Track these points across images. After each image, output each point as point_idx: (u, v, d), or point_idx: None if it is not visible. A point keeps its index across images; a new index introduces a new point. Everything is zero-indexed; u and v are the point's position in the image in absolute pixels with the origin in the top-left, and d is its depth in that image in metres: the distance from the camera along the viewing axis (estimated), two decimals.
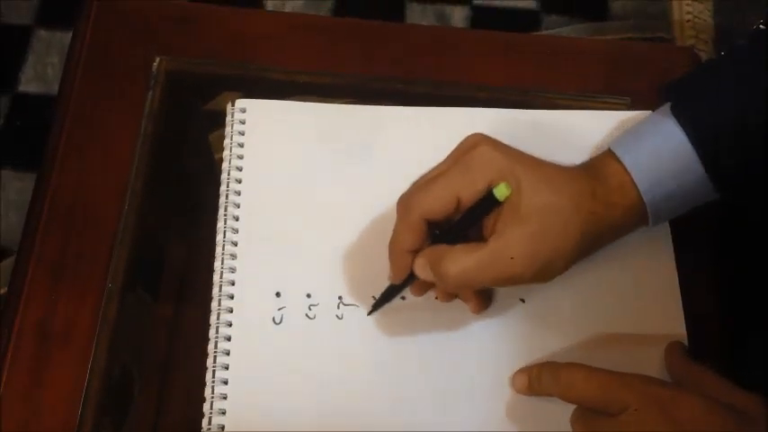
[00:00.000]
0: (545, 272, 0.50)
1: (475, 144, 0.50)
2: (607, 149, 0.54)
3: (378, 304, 0.54)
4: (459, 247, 0.49)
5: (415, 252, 0.51)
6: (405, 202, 0.51)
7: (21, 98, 1.31)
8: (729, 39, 1.36)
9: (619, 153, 0.52)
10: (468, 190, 0.49)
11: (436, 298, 0.55)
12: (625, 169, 0.52)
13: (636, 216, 0.52)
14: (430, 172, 0.52)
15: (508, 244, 0.49)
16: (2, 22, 1.36)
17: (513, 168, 0.49)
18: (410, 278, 0.52)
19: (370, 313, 0.54)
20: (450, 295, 0.54)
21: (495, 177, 0.49)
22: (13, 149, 1.27)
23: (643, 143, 0.52)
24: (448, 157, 0.52)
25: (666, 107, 0.53)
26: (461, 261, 0.49)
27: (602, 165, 0.53)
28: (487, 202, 0.49)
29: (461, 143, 0.52)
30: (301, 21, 0.67)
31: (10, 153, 1.27)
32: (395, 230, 0.51)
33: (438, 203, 0.50)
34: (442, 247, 0.50)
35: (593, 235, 0.51)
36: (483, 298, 0.55)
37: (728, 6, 1.40)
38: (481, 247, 0.49)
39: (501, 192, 0.49)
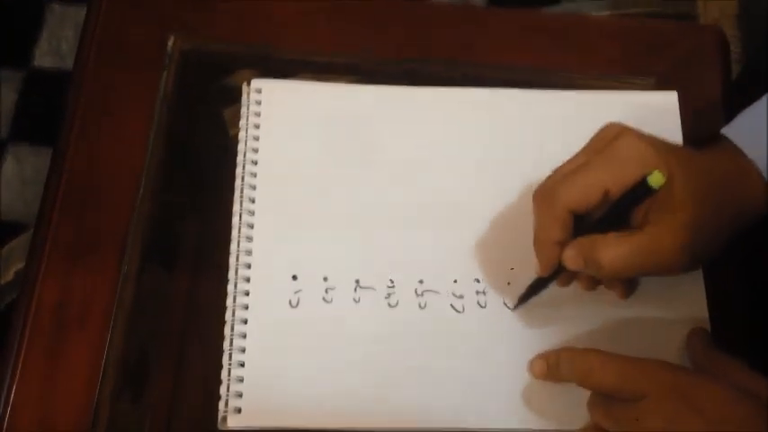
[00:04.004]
0: (698, 260, 0.50)
1: (618, 134, 0.50)
2: (722, 135, 0.53)
3: (524, 297, 0.54)
4: (612, 236, 0.49)
5: (561, 244, 0.50)
6: (547, 194, 0.50)
7: (35, 73, 1.30)
8: (754, 15, 1.33)
9: (735, 139, 0.52)
10: (617, 181, 0.49)
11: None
12: (746, 156, 0.51)
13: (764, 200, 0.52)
14: (568, 164, 0.51)
15: (664, 232, 0.48)
16: None
17: (663, 157, 0.48)
18: (558, 270, 0.51)
19: (515, 307, 0.54)
20: (593, 284, 0.54)
21: (646, 167, 0.48)
22: (29, 124, 1.27)
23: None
24: (586, 147, 0.51)
25: None
26: (617, 249, 0.49)
27: (727, 149, 0.52)
28: (640, 191, 0.48)
29: (599, 133, 0.51)
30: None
31: (25, 128, 1.26)
32: (539, 224, 0.51)
33: (584, 194, 0.49)
34: (593, 236, 0.49)
35: (740, 217, 0.51)
36: (628, 284, 0.54)
37: None
38: (636, 234, 0.49)
39: (656, 180, 0.48)
